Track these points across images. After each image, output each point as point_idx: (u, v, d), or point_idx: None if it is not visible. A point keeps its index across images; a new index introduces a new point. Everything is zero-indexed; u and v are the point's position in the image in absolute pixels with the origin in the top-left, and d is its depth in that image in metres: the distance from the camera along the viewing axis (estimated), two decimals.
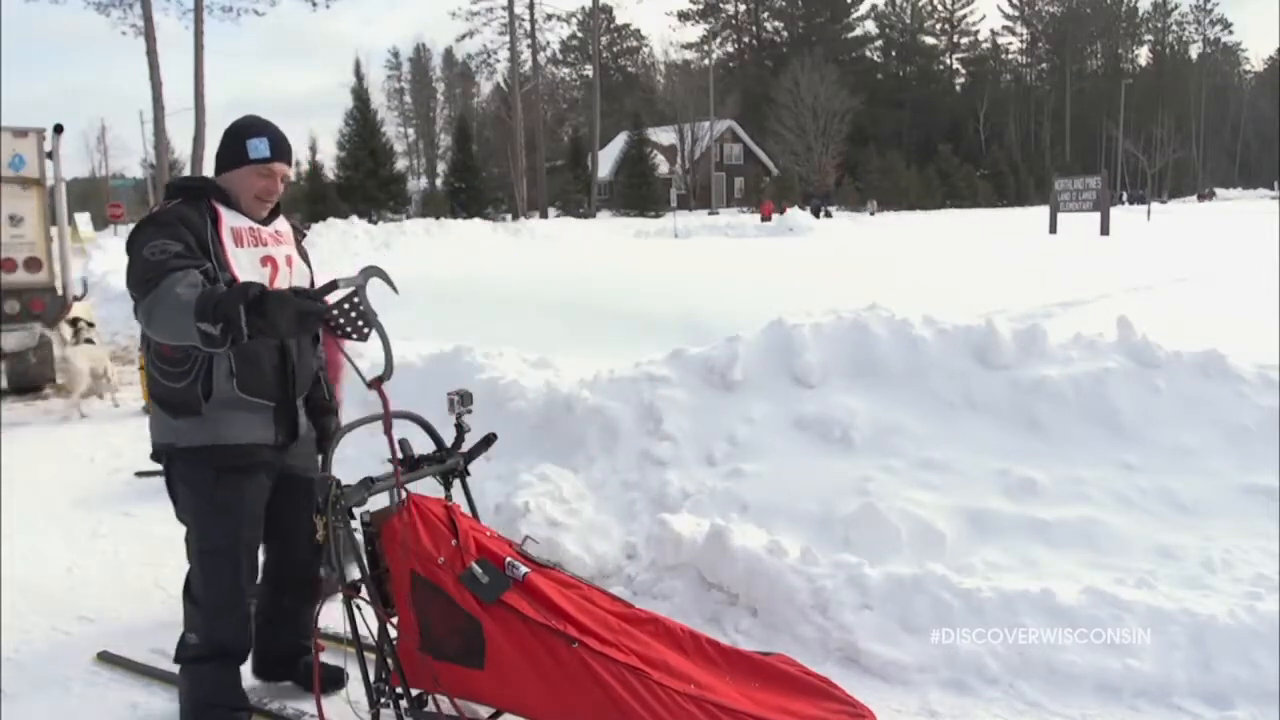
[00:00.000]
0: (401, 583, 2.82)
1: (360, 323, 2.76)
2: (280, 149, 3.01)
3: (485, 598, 2.69)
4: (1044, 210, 25.35)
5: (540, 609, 2.68)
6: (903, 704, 3.25)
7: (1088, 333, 5.02)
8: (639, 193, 54.00)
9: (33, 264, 9.42)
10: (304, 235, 3.34)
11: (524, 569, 2.78)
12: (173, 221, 2.84)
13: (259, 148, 2.97)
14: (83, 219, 26.46)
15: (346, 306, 2.75)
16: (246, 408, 2.93)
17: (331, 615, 3.04)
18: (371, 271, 2.84)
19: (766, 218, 40.95)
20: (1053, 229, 22.85)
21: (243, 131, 3.01)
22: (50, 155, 9.55)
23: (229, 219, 2.95)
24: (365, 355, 3.93)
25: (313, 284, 3.09)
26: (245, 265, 2.92)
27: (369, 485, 2.87)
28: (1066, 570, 3.72)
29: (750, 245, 17.75)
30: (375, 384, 2.83)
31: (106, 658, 3.73)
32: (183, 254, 2.76)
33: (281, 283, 2.99)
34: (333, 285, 2.74)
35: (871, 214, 48.70)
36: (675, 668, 2.60)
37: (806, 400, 4.90)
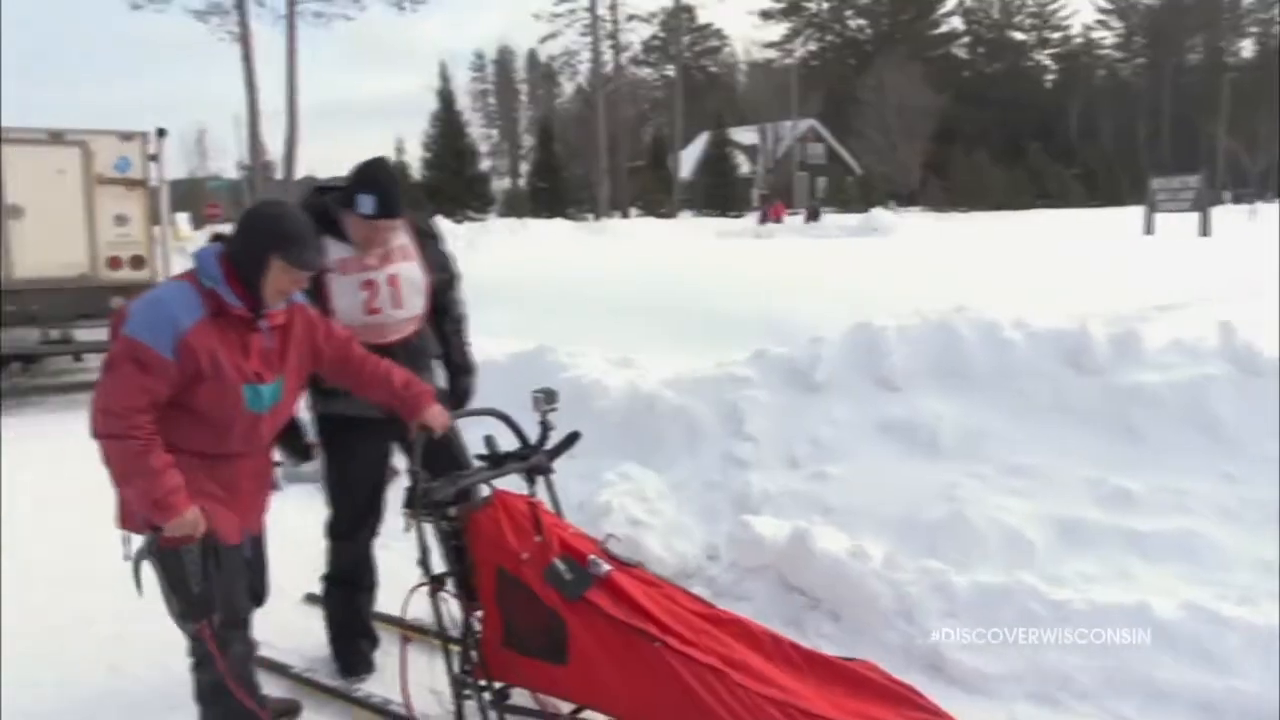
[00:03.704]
0: (486, 578, 2.87)
1: (180, 580, 2.73)
2: (387, 207, 3.20)
3: (568, 594, 2.71)
4: (1139, 210, 24.49)
5: (623, 607, 2.69)
6: (989, 716, 3.19)
7: (1187, 338, 4.84)
8: (720, 192, 53.83)
9: (137, 262, 9.82)
10: (431, 235, 3.54)
11: (606, 566, 2.79)
12: None
13: (365, 204, 3.19)
14: (182, 218, 27.44)
15: (179, 555, 2.73)
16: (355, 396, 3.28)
17: (419, 607, 3.10)
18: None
19: (776, 219, 39.86)
20: (1148, 229, 22.09)
21: (358, 181, 3.23)
22: (154, 158, 9.94)
23: (333, 250, 3.24)
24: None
25: (431, 287, 3.45)
26: (345, 291, 3.27)
27: (455, 481, 2.92)
28: (1164, 584, 3.59)
29: (833, 245, 17.54)
30: None
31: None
32: None
33: (380, 304, 3.31)
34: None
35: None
36: (757, 670, 2.58)
37: (891, 403, 4.83)
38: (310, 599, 4.05)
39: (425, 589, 2.99)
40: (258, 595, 3.09)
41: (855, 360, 5.07)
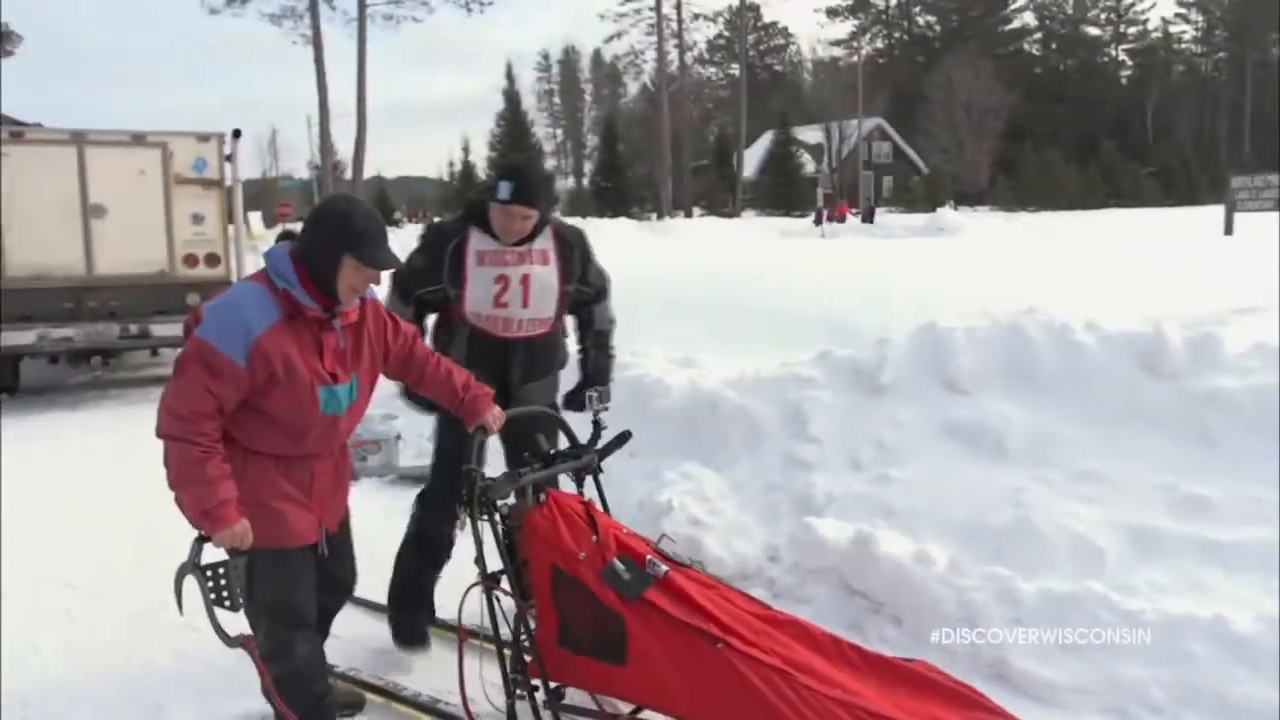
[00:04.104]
0: (542, 577, 2.86)
1: (225, 595, 2.66)
2: (523, 194, 3.38)
3: (627, 594, 2.71)
4: (1218, 210, 23.75)
5: (683, 607, 2.68)
6: None
7: (1268, 341, 4.68)
8: (784, 192, 53.55)
9: (212, 259, 10.08)
10: (576, 246, 3.67)
11: (664, 567, 2.78)
12: (428, 238, 3.61)
13: (503, 189, 3.38)
14: (255, 217, 28.08)
15: (221, 571, 2.65)
16: None
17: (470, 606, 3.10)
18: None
19: (840, 219, 39.39)
20: (1228, 230, 21.38)
21: (502, 171, 3.51)
22: (229, 158, 10.19)
23: (476, 242, 3.49)
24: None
25: (564, 296, 3.60)
26: (479, 280, 3.47)
27: (515, 479, 2.92)
28: (1242, 596, 3.47)
29: (899, 245, 17.31)
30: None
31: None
32: (422, 272, 3.50)
33: (509, 299, 3.49)
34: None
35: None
36: (820, 671, 2.55)
37: (958, 406, 4.75)
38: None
39: (479, 587, 2.98)
40: (346, 586, 3.14)
41: (921, 362, 5.00)
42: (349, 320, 2.79)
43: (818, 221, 37.47)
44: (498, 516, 2.93)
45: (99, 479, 6.55)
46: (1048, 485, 4.20)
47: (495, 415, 3.05)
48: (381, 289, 3.00)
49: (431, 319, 3.72)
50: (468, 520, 2.89)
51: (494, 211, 3.46)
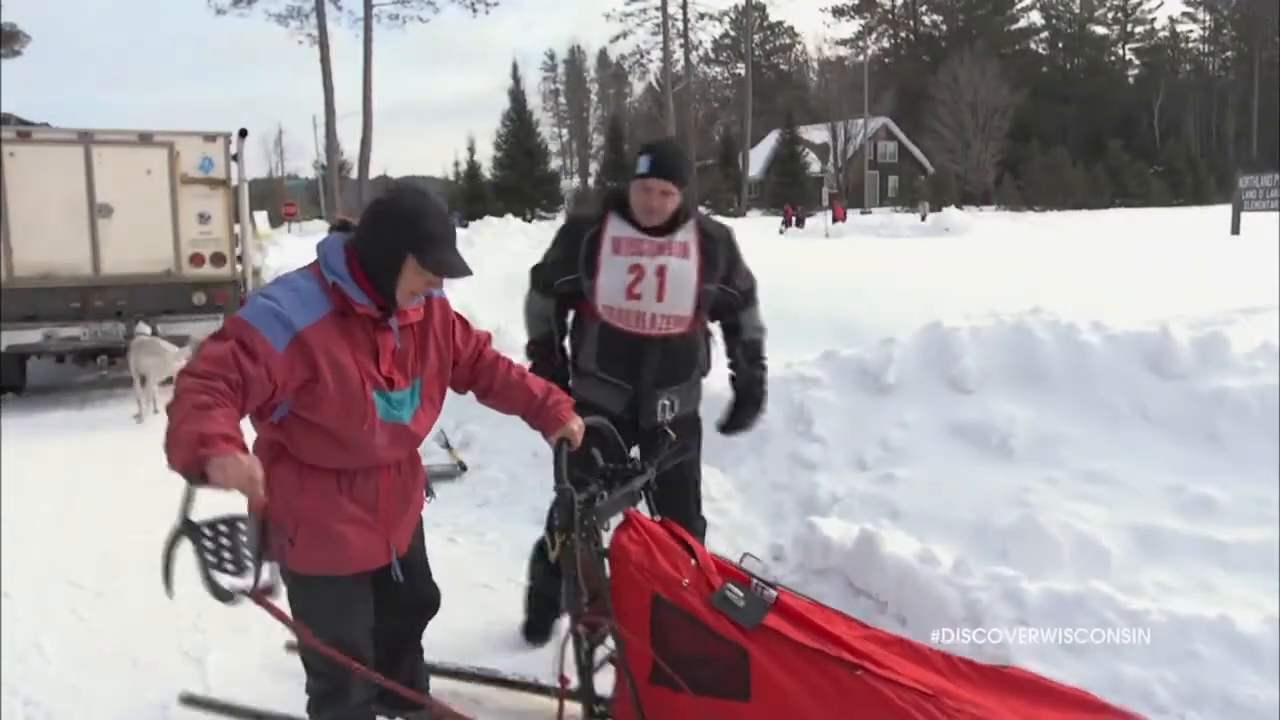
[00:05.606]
0: (639, 608, 2.53)
1: (228, 558, 2.20)
2: (660, 167, 3.24)
3: (746, 623, 2.45)
4: (1225, 209, 23.67)
5: (806, 632, 2.46)
6: None
7: (1275, 341, 4.68)
8: (790, 191, 53.52)
9: (218, 259, 10.08)
10: (718, 241, 3.44)
11: (773, 591, 2.57)
12: (565, 230, 3.48)
13: (641, 163, 3.26)
14: (260, 217, 28.10)
15: (223, 529, 2.21)
16: (606, 381, 3.38)
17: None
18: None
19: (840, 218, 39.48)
20: (1235, 229, 21.32)
21: (641, 148, 3.35)
22: (235, 158, 10.19)
23: (613, 229, 3.34)
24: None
25: (703, 294, 3.36)
26: (613, 269, 3.30)
27: (632, 498, 2.67)
28: (1248, 596, 3.46)
29: (904, 245, 17.30)
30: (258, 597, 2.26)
31: (189, 700, 3.43)
32: (557, 263, 3.39)
33: (642, 290, 3.30)
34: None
35: (923, 218, 36.62)
36: (952, 691, 2.37)
37: (963, 406, 4.75)
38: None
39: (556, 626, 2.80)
40: (429, 604, 2.93)
41: (926, 361, 5.00)
42: (408, 320, 2.53)
43: (786, 224, 37.21)
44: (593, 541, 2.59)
45: (105, 478, 6.57)
46: (1053, 485, 4.20)
47: (580, 425, 2.76)
48: (451, 290, 2.71)
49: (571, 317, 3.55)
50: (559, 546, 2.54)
51: (634, 190, 3.29)
